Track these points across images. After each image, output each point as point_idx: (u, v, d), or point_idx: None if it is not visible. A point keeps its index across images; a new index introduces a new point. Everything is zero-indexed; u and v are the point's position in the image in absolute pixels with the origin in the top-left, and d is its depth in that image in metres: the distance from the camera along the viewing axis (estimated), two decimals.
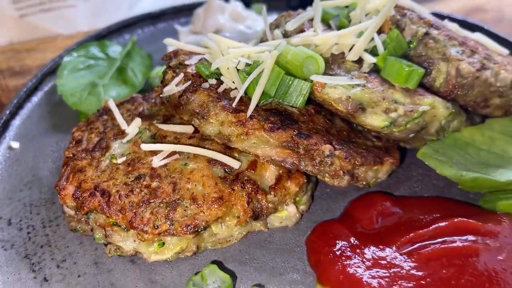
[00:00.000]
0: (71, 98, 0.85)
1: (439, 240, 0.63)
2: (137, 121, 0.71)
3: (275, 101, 0.67)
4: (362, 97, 0.65)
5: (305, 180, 0.68)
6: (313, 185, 0.73)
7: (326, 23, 0.78)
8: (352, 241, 0.64)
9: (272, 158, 0.64)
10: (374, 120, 0.66)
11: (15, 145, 0.79)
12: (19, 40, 1.17)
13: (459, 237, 0.64)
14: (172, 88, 0.68)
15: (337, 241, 0.65)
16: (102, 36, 1.02)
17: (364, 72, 0.68)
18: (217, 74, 0.68)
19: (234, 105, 0.63)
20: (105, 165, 0.66)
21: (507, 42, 0.99)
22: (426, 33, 0.72)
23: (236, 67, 0.67)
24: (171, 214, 0.61)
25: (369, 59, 0.69)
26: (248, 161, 0.66)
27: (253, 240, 0.67)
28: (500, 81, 0.71)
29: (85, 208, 0.62)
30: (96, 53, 0.96)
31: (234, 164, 0.65)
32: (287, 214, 0.68)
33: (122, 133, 0.71)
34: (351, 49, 0.70)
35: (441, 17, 0.94)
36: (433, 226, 0.65)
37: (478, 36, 0.82)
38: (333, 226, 0.67)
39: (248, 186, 0.64)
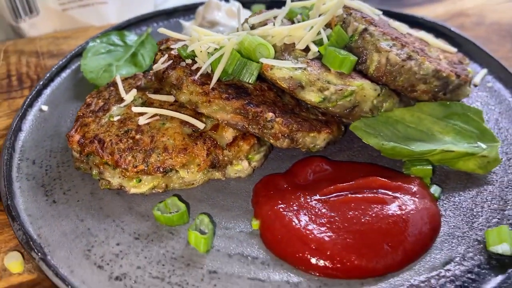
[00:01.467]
0: (90, 74, 1.07)
1: (354, 191, 0.80)
2: (133, 91, 0.92)
3: (235, 78, 0.86)
4: (301, 78, 0.83)
5: (256, 142, 0.86)
6: (267, 148, 0.90)
7: (291, 20, 0.97)
8: (285, 188, 0.82)
9: (228, 121, 0.83)
10: (311, 96, 0.83)
11: (45, 108, 1.02)
12: (61, 30, 1.41)
13: (370, 190, 0.80)
14: (159, 66, 0.88)
15: (274, 188, 0.83)
16: (123, 27, 1.25)
17: (309, 59, 0.86)
18: (193, 56, 0.88)
19: (196, 77, 0.83)
20: (104, 122, 0.87)
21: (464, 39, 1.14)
22: (365, 29, 0.88)
23: (207, 50, 0.86)
24: (147, 158, 0.81)
25: (313, 48, 0.86)
26: (212, 124, 0.85)
27: (212, 185, 0.86)
28: (423, 69, 0.86)
29: (85, 151, 0.83)
30: (116, 40, 1.18)
31: (200, 125, 0.84)
32: (241, 167, 0.86)
33: (121, 100, 0.92)
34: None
35: (411, 21, 1.10)
36: (352, 182, 0.82)
37: (423, 34, 0.98)
38: (275, 177, 0.85)
39: (209, 142, 0.83)
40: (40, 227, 0.78)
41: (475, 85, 1.09)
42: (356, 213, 0.76)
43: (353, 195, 0.79)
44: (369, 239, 0.73)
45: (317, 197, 0.80)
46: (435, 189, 0.83)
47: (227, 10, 1.19)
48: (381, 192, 0.80)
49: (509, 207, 0.81)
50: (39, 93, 1.05)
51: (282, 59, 0.85)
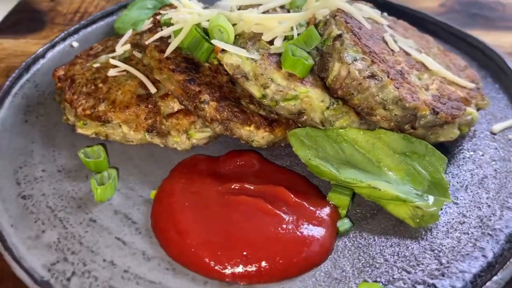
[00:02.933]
0: (118, 24, 1.17)
1: (255, 195, 0.77)
2: (126, 46, 0.99)
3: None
4: (247, 69, 0.81)
5: (195, 120, 0.87)
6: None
7: (287, 10, 0.93)
8: (201, 170, 0.82)
9: (172, 92, 0.85)
10: (254, 89, 0.81)
11: (75, 44, 1.16)
12: None
13: (271, 199, 0.76)
14: (145, 27, 0.94)
15: (191, 167, 0.84)
16: None
17: (268, 53, 0.83)
18: (171, 24, 0.91)
19: (148, 42, 0.87)
20: (86, 66, 0.97)
21: None
22: (339, 35, 0.81)
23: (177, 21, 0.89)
24: (96, 106, 0.88)
25: (277, 43, 0.83)
26: (164, 92, 0.89)
27: (149, 148, 0.90)
28: (383, 93, 0.77)
29: (58, 85, 0.94)
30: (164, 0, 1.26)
31: (152, 89, 0.88)
32: (178, 140, 0.89)
33: (113, 52, 1.00)
34: None
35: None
36: (260, 186, 0.78)
37: (425, 57, 0.87)
38: (200, 158, 0.86)
39: (152, 107, 0.87)
40: (3, 137, 0.92)
41: (492, 133, 0.92)
42: (240, 215, 0.74)
43: (249, 198, 0.76)
44: (233, 244, 0.70)
45: (219, 188, 0.79)
46: (343, 223, 0.75)
47: None
48: (278, 204, 0.75)
49: (418, 271, 0.70)
50: (76, 31, 1.19)
51: (243, 47, 0.84)
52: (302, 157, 0.80)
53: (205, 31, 0.86)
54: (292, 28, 0.84)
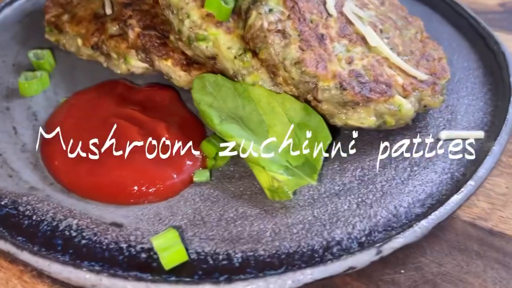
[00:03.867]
0: None
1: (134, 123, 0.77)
2: None
3: None
4: (173, 1, 0.79)
5: (127, 46, 0.88)
6: None
7: None
8: (113, 90, 0.86)
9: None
10: (172, 20, 0.79)
11: None
12: None
13: (147, 128, 0.76)
14: None
15: (109, 86, 0.87)
16: None
17: None
18: None
19: None
20: None
21: None
22: None
23: None
24: (60, 16, 0.95)
25: None
26: (118, 13, 0.91)
27: (90, 65, 0.94)
28: (285, 52, 0.70)
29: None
30: None
31: (108, 10, 0.92)
32: (117, 63, 0.91)
33: None
34: None
35: None
36: (146, 117, 0.78)
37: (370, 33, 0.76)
38: (122, 83, 0.89)
39: (100, 25, 0.91)
40: None
41: (437, 138, 0.78)
42: (107, 134, 0.74)
43: (125, 123, 0.76)
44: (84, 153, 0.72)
45: (113, 108, 0.80)
46: (199, 173, 0.72)
47: None
48: (150, 136, 0.74)
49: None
50: None
51: None
52: (195, 99, 0.76)
53: None
54: None
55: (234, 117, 0.75)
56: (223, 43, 0.76)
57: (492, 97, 0.86)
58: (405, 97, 0.74)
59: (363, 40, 0.76)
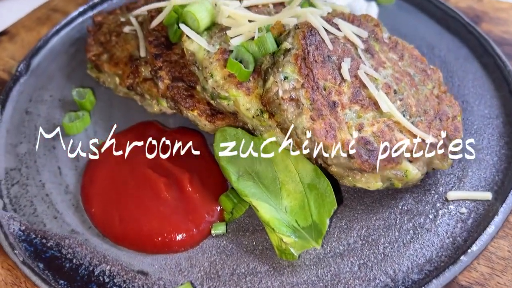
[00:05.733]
0: None
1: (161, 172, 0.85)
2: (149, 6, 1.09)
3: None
4: (199, 59, 0.85)
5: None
6: None
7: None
8: (147, 132, 0.94)
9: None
10: (200, 80, 0.86)
11: None
12: None
13: (172, 178, 0.84)
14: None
15: (143, 130, 0.95)
16: None
17: (226, 48, 0.85)
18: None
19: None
20: (117, 18, 1.10)
21: None
22: (288, 50, 0.80)
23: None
24: (100, 55, 1.03)
25: (234, 42, 0.84)
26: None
27: (126, 103, 1.03)
28: (295, 121, 0.75)
29: (88, 28, 1.10)
30: None
31: (142, 53, 0.99)
32: (150, 104, 0.99)
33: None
34: None
35: None
36: (172, 166, 0.86)
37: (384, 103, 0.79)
38: (154, 124, 0.96)
39: (135, 69, 0.98)
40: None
41: (446, 199, 0.81)
42: (135, 183, 0.83)
43: (153, 174, 0.85)
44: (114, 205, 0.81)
45: (145, 156, 0.88)
46: (217, 227, 0.80)
47: None
48: (174, 187, 0.82)
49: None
50: None
51: (211, 36, 0.88)
52: (215, 154, 0.84)
53: None
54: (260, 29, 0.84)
55: (250, 173, 0.82)
56: (242, 104, 0.81)
57: (507, 152, 0.87)
58: (412, 161, 0.78)
59: (375, 104, 0.80)
